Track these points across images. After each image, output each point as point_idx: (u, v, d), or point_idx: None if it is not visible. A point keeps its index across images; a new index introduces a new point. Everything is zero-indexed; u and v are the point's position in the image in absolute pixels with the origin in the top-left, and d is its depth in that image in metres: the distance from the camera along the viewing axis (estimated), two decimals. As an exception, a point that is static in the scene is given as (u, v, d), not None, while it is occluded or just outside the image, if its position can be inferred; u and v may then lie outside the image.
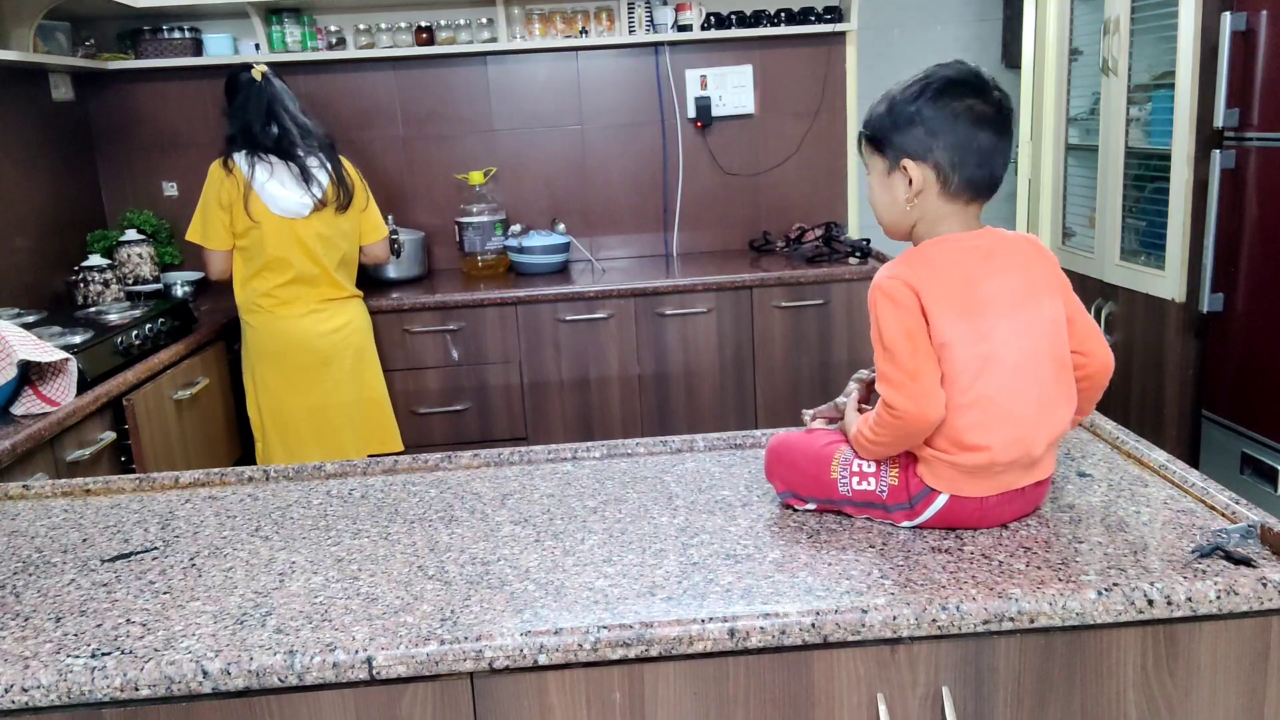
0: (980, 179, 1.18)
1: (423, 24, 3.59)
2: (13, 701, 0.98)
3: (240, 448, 3.08)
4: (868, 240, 3.54)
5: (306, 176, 2.74)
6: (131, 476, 1.52)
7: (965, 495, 1.17)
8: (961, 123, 1.16)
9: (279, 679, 0.99)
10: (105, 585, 1.18)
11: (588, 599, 1.08)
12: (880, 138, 1.21)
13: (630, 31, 3.58)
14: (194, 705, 1.02)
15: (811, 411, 1.46)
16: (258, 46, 3.56)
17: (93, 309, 2.81)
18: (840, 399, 1.37)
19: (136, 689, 0.99)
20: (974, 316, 1.14)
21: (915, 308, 1.14)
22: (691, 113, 3.70)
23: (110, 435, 2.22)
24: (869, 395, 1.34)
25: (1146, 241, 3.14)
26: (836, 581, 1.09)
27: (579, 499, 1.37)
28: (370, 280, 3.52)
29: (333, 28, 3.64)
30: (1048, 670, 1.07)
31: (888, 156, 1.21)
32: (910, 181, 1.19)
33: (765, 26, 3.65)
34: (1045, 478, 1.22)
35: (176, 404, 2.57)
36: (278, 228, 2.71)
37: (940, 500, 1.18)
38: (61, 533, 1.34)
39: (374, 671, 1.00)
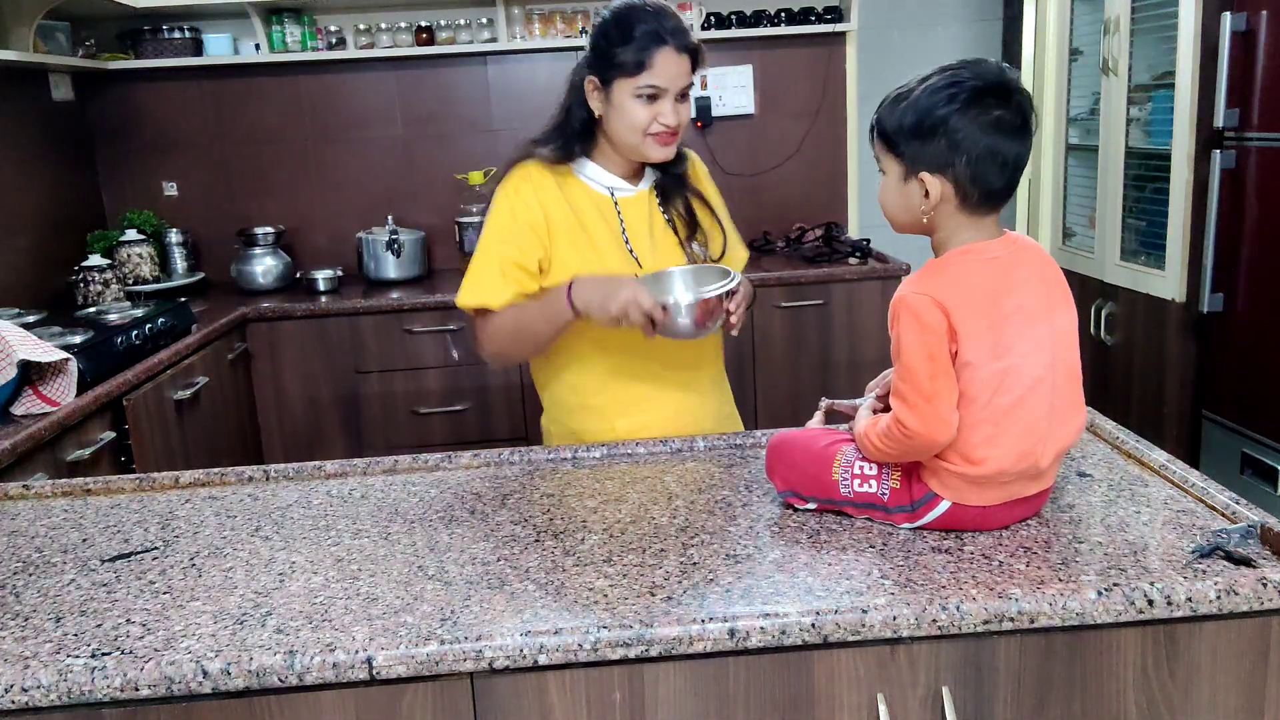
0: (1000, 190, 1.14)
1: (423, 24, 3.59)
2: (13, 701, 0.98)
3: (241, 447, 3.08)
4: (868, 240, 3.54)
5: None
6: (131, 476, 1.52)
7: (969, 504, 1.17)
8: (987, 136, 1.10)
9: (279, 679, 0.99)
10: (105, 585, 1.18)
11: (588, 599, 1.08)
12: (896, 141, 1.16)
13: (630, 31, 3.58)
14: (194, 705, 1.01)
15: (829, 401, 1.45)
16: (258, 46, 3.57)
17: (93, 309, 2.81)
18: (861, 401, 1.35)
19: (136, 689, 0.98)
20: (996, 331, 1.12)
21: (942, 328, 1.10)
22: (692, 113, 3.69)
23: (110, 435, 2.22)
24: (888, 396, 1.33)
25: (1146, 241, 3.14)
26: (836, 581, 1.09)
27: (579, 499, 1.37)
28: (371, 280, 3.53)
29: (333, 28, 3.64)
30: (1048, 670, 1.07)
31: (904, 162, 1.16)
32: (926, 193, 1.14)
33: (765, 26, 3.65)
34: (1049, 486, 1.21)
35: (176, 404, 2.57)
36: None
37: (942, 505, 1.17)
38: (61, 533, 1.34)
39: (374, 672, 1.00)
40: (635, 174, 1.71)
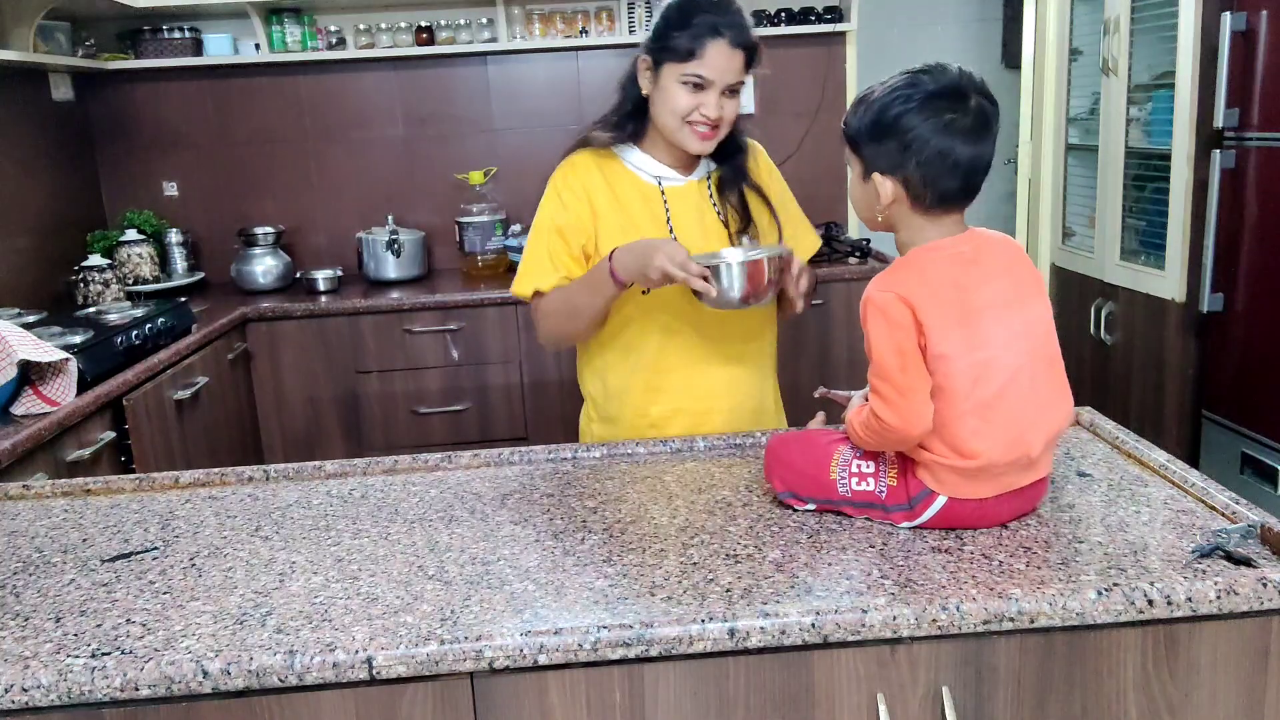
0: (955, 192, 1.16)
1: (423, 24, 3.59)
2: (13, 701, 0.98)
3: (241, 448, 3.08)
4: (867, 240, 3.54)
5: None
6: (131, 476, 1.52)
7: (964, 497, 1.17)
8: (936, 139, 1.13)
9: (279, 679, 0.99)
10: (105, 585, 1.18)
11: (588, 599, 1.08)
12: (857, 141, 1.20)
13: (630, 31, 3.58)
14: (194, 705, 1.02)
15: (824, 389, 1.46)
16: (258, 46, 3.57)
17: (93, 309, 2.81)
18: (855, 393, 1.36)
19: (136, 689, 0.98)
20: (969, 324, 1.13)
21: (908, 322, 1.13)
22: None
23: (110, 435, 2.22)
24: None
25: (1146, 241, 3.14)
26: (836, 581, 1.09)
27: (579, 499, 1.37)
28: (371, 280, 3.53)
29: (333, 28, 3.64)
30: (1048, 670, 1.07)
31: (863, 162, 1.20)
32: (879, 195, 1.18)
33: (765, 26, 3.65)
34: (1044, 476, 1.22)
35: (176, 404, 2.57)
36: None
37: (939, 501, 1.18)
38: (61, 533, 1.34)
39: (374, 671, 1.00)
40: (687, 164, 1.70)
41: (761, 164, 1.78)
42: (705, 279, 1.48)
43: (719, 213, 1.70)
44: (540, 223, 1.70)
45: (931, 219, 1.18)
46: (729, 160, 1.71)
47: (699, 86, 1.57)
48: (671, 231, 1.67)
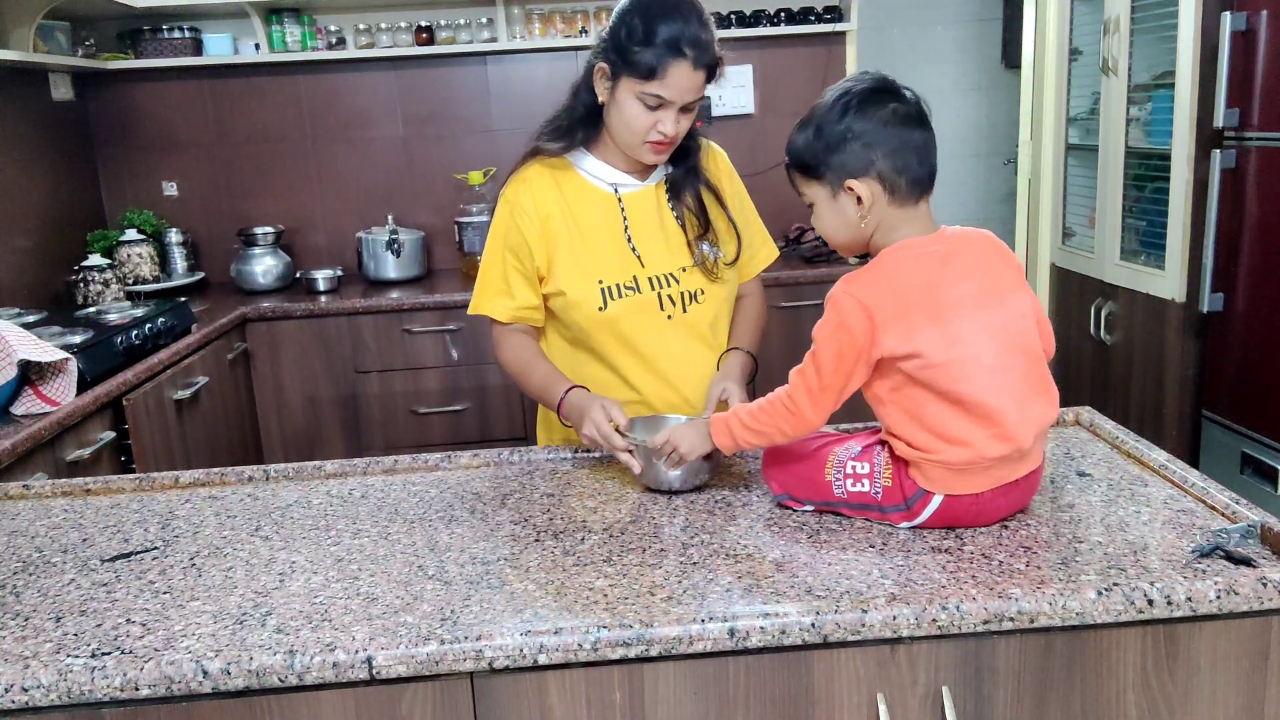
0: (923, 175, 1.19)
1: (423, 24, 3.59)
2: (13, 701, 0.98)
3: (241, 448, 3.08)
4: (868, 240, 3.54)
5: None
6: (131, 476, 1.52)
7: (959, 493, 1.17)
8: (892, 127, 1.17)
9: (279, 679, 0.99)
10: (105, 585, 1.18)
11: (588, 599, 1.08)
12: (814, 164, 1.21)
13: (630, 31, 3.58)
14: (194, 705, 1.02)
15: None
16: (257, 46, 3.57)
17: (93, 309, 2.81)
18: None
19: (136, 689, 0.99)
20: (943, 321, 1.14)
21: (861, 330, 1.15)
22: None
23: (110, 435, 2.22)
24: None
25: (1146, 241, 3.14)
26: (836, 581, 1.09)
27: (579, 499, 1.37)
28: (371, 280, 3.53)
29: (333, 28, 3.64)
30: (1048, 670, 1.07)
31: (828, 181, 1.20)
32: (859, 199, 1.19)
33: (765, 26, 3.65)
34: (1036, 467, 1.22)
35: (176, 404, 2.57)
36: None
37: (936, 500, 1.18)
38: (61, 533, 1.34)
39: (374, 671, 1.00)
40: (643, 169, 1.64)
41: (721, 167, 1.74)
42: (631, 451, 1.39)
43: (677, 216, 1.65)
44: (494, 238, 1.65)
45: (906, 213, 1.20)
46: (681, 161, 1.65)
47: (658, 105, 1.50)
48: (630, 241, 1.61)
